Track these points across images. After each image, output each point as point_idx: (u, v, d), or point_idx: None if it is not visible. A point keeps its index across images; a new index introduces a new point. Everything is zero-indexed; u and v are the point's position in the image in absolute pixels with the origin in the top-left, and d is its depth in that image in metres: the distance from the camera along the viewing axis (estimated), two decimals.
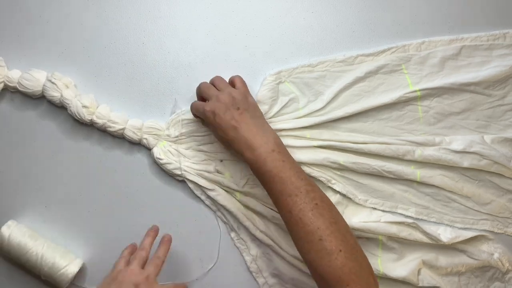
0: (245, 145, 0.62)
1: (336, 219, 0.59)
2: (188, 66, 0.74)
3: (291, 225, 0.60)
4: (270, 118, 0.72)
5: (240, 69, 0.74)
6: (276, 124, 0.71)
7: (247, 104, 0.65)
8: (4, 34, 0.74)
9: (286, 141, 0.70)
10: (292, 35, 0.75)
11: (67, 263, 0.69)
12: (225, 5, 0.75)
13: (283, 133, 0.71)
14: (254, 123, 0.64)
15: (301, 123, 0.71)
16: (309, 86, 0.73)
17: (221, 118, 0.63)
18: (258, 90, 0.72)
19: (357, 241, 0.60)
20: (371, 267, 0.59)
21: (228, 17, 0.75)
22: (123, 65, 0.74)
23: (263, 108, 0.71)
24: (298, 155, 0.70)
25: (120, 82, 0.74)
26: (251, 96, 0.68)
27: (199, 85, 0.69)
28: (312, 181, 0.62)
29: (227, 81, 0.70)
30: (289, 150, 0.64)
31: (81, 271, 0.72)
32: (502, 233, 0.73)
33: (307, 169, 0.71)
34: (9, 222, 0.71)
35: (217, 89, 0.67)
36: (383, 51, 0.74)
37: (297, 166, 0.62)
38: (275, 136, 0.64)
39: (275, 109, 0.72)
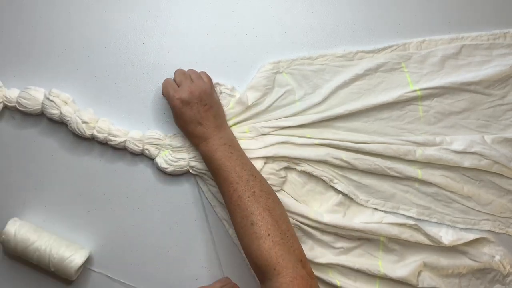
0: (202, 139, 0.68)
1: (271, 207, 0.62)
2: (188, 66, 0.73)
3: (230, 211, 0.63)
4: (265, 109, 0.72)
5: (239, 69, 0.74)
6: (274, 122, 0.71)
7: (213, 101, 0.69)
8: (3, 34, 0.74)
9: (286, 139, 0.70)
10: (292, 35, 0.75)
11: (73, 252, 0.69)
12: (225, 5, 0.75)
13: (282, 131, 0.71)
14: (215, 123, 0.68)
15: (300, 121, 0.71)
16: (307, 78, 0.73)
17: (188, 110, 0.67)
18: (254, 76, 0.72)
19: (291, 228, 0.62)
20: (302, 254, 0.61)
21: (228, 17, 0.75)
22: (123, 65, 0.74)
23: (255, 94, 0.71)
24: (300, 152, 0.70)
25: (120, 82, 0.74)
26: (216, 92, 0.72)
27: (176, 70, 0.71)
28: (257, 172, 0.65)
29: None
30: (290, 147, 0.65)
31: (88, 261, 0.72)
32: (503, 233, 0.73)
33: (309, 168, 0.70)
34: (15, 218, 0.71)
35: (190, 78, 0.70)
36: (383, 49, 0.73)
37: (244, 159, 0.66)
38: (230, 134, 0.69)
39: (270, 99, 0.72)
